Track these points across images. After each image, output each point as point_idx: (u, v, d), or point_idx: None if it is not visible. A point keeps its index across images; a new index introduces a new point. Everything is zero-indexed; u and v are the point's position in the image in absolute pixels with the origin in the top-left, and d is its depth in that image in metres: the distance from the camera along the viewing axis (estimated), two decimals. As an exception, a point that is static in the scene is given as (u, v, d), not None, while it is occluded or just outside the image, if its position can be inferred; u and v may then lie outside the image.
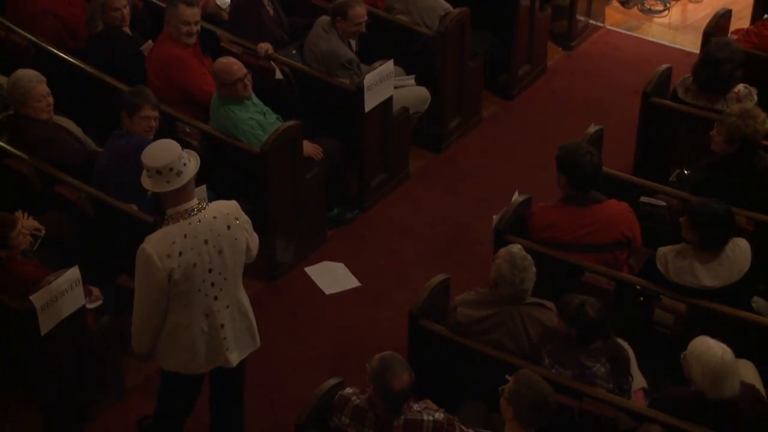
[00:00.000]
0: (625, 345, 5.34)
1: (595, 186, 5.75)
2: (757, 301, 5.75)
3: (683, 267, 5.46)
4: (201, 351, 5.01)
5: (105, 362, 5.84)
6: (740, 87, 6.55)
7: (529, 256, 5.15)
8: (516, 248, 5.19)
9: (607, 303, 5.30)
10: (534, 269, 5.14)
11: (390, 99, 7.10)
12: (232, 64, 6.52)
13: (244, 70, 6.54)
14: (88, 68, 7.01)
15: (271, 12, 7.48)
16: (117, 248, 6.23)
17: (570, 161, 5.64)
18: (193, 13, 6.83)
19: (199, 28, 6.92)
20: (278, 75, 7.12)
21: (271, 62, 7.14)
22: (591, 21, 8.99)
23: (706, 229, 5.40)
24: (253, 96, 6.65)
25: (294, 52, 7.43)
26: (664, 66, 6.97)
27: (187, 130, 6.70)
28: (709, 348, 4.70)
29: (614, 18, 9.27)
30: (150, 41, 7.15)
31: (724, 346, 4.71)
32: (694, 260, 5.45)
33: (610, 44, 9.00)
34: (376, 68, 6.89)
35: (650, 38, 9.09)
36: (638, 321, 5.59)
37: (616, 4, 9.39)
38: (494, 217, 5.92)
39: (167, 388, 5.27)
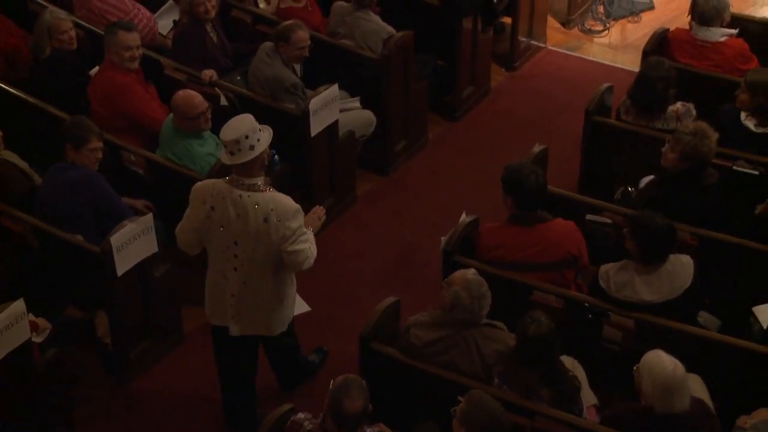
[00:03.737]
0: (576, 363, 5.38)
1: (541, 205, 5.79)
2: (703, 316, 5.83)
3: (623, 281, 5.52)
4: (213, 302, 5.45)
5: (52, 397, 5.74)
6: (678, 105, 6.65)
7: (485, 282, 5.16)
8: (471, 274, 5.19)
9: (556, 321, 5.33)
10: (489, 294, 5.16)
11: (336, 123, 7.11)
12: (193, 97, 6.48)
13: (206, 104, 6.52)
14: (31, 99, 6.95)
15: (215, 39, 7.47)
16: (63, 279, 6.17)
17: (515, 181, 5.68)
18: (133, 38, 6.81)
19: (141, 52, 6.90)
20: (223, 101, 7.10)
21: (216, 89, 7.12)
22: (533, 42, 9.09)
23: (646, 242, 5.47)
24: None
25: (238, 78, 7.42)
26: (606, 85, 7.06)
27: (132, 158, 6.66)
28: (661, 361, 4.74)
29: (555, 38, 9.38)
30: (98, 66, 7.11)
31: (676, 360, 4.75)
32: (634, 274, 5.51)
33: (552, 64, 9.09)
34: (320, 92, 6.91)
35: (591, 58, 9.20)
36: (588, 338, 5.63)
37: (557, 24, 9.50)
38: (442, 238, 5.93)
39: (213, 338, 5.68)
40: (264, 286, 5.35)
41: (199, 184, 5.37)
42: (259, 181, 5.23)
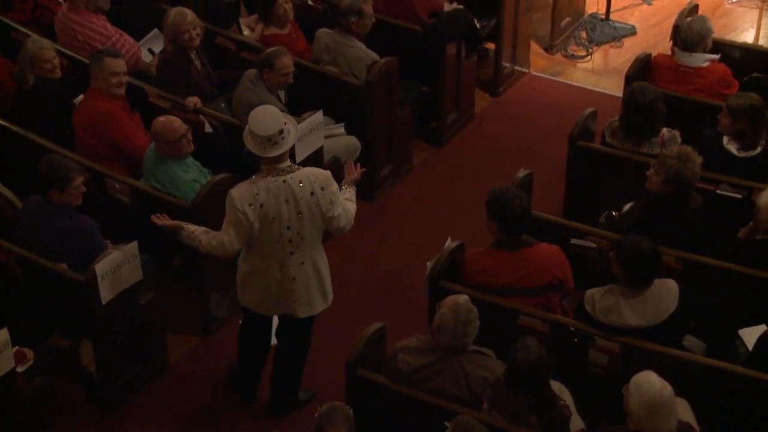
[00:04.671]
0: (563, 387, 5.37)
1: (525, 230, 5.80)
2: (689, 339, 5.84)
3: (609, 306, 5.53)
4: (272, 296, 5.67)
5: (36, 427, 5.71)
6: (664, 131, 6.67)
7: (474, 309, 5.15)
8: (462, 299, 5.19)
9: (542, 346, 5.33)
10: (477, 322, 5.15)
11: (320, 149, 7.12)
12: (173, 121, 6.51)
13: (186, 126, 6.54)
14: (15, 128, 6.94)
15: (199, 66, 7.48)
16: (47, 308, 6.14)
17: (499, 206, 5.69)
18: (119, 64, 6.84)
19: (127, 78, 6.92)
20: (207, 128, 7.10)
21: (200, 116, 7.13)
22: (516, 67, 9.13)
23: (632, 266, 5.48)
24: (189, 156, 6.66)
25: (223, 105, 7.43)
26: (589, 110, 7.09)
27: (117, 186, 6.65)
28: (649, 380, 4.75)
29: (539, 64, 9.42)
30: (82, 95, 7.11)
31: (665, 382, 4.76)
32: (620, 299, 5.52)
33: (535, 89, 9.13)
34: (305, 119, 6.92)
35: (574, 83, 9.24)
36: (574, 363, 5.63)
37: (540, 50, 9.55)
38: (428, 263, 5.94)
39: (243, 323, 6.01)
40: (318, 258, 5.68)
41: (234, 191, 5.49)
42: (289, 161, 5.51)
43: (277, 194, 5.43)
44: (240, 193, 5.46)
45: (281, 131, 5.39)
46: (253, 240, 5.53)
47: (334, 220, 5.60)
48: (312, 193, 5.47)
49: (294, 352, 6.05)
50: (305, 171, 5.54)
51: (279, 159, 5.45)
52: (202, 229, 5.65)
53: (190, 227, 5.67)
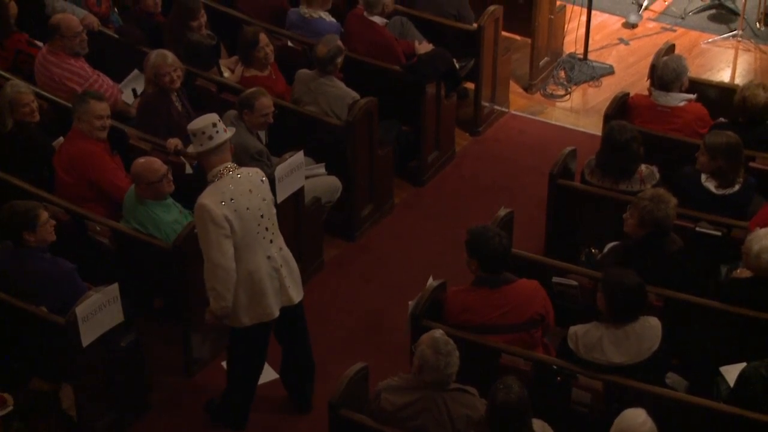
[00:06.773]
0: (546, 426, 5.36)
1: (506, 267, 5.82)
2: (671, 376, 5.84)
3: (592, 343, 5.53)
4: (271, 294, 5.79)
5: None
6: (642, 167, 6.72)
7: (451, 341, 5.16)
8: (438, 333, 5.20)
9: (525, 384, 5.32)
10: (457, 353, 5.15)
11: (302, 190, 7.14)
12: (153, 162, 6.54)
13: (166, 166, 6.57)
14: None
15: (180, 107, 7.49)
16: (27, 351, 6.09)
17: (479, 245, 5.71)
18: (103, 107, 6.87)
19: (110, 122, 6.93)
20: (188, 170, 7.11)
21: (181, 157, 7.14)
22: (496, 107, 9.18)
23: (618, 300, 5.49)
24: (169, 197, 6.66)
25: (203, 146, 7.43)
26: (569, 148, 7.14)
27: (97, 228, 6.63)
28: (634, 411, 4.79)
29: (518, 103, 9.48)
30: (61, 137, 7.11)
31: (650, 419, 4.77)
32: (603, 336, 5.52)
33: (515, 129, 9.19)
34: (286, 159, 6.94)
35: (554, 122, 9.29)
36: (557, 401, 5.63)
37: (519, 89, 9.62)
38: (410, 302, 5.94)
39: (244, 346, 5.97)
40: (283, 243, 5.91)
41: (204, 199, 5.64)
42: (231, 162, 5.75)
43: (240, 186, 5.65)
44: (210, 197, 5.62)
45: (214, 124, 5.62)
46: (237, 239, 5.64)
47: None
48: (262, 181, 5.79)
49: (305, 333, 6.20)
50: (244, 168, 5.82)
51: (221, 159, 5.66)
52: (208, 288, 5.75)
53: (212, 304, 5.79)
